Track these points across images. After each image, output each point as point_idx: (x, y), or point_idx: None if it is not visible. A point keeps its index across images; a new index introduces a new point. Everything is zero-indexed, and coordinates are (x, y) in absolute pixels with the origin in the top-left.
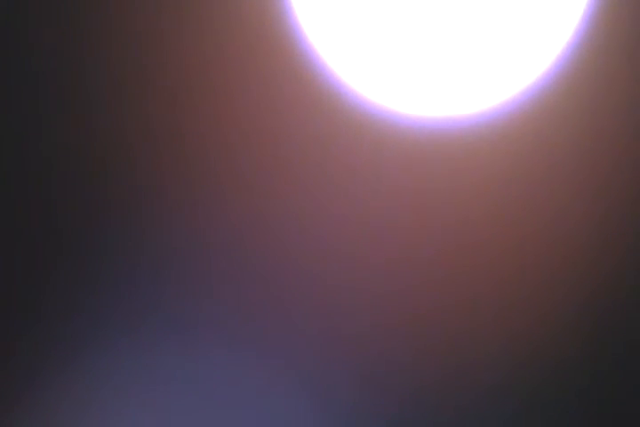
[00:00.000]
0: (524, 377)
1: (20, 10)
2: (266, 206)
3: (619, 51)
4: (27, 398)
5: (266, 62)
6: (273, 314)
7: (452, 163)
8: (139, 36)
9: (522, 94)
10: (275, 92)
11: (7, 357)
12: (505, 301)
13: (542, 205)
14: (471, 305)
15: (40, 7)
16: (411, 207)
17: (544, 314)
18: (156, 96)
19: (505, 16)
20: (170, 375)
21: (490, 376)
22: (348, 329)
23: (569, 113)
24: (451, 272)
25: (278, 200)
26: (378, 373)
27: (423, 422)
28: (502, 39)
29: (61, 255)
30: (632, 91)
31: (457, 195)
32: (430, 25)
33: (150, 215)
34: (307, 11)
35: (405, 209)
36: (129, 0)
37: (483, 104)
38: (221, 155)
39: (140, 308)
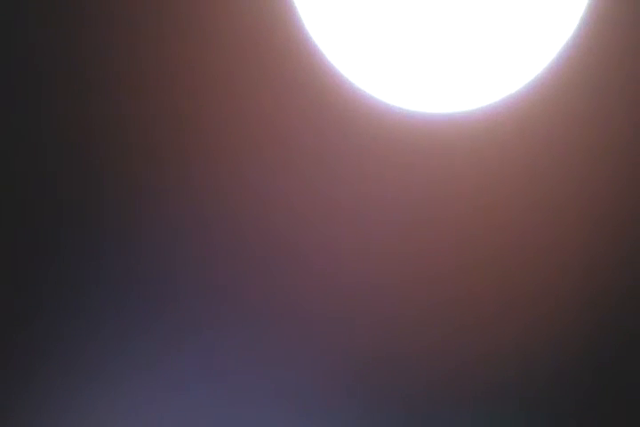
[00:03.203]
0: (526, 374)
1: (20, 8)
2: (271, 208)
3: (619, 49)
4: (24, 399)
5: (269, 60)
6: (279, 313)
7: (453, 158)
8: (139, 35)
9: (521, 91)
10: (279, 91)
11: (5, 357)
12: (504, 298)
13: (542, 203)
14: (471, 301)
15: (41, 6)
16: (416, 204)
17: (544, 311)
18: (157, 97)
19: (505, 13)
20: (170, 376)
21: (491, 374)
22: (352, 328)
23: (568, 110)
24: (451, 269)
25: (284, 200)
26: (383, 372)
27: (423, 423)
28: (503, 35)
29: (62, 256)
30: (631, 90)
31: (460, 190)
32: (431, 21)
33: (151, 215)
34: (309, 9)
35: (410, 206)
36: (130, 1)
37: (483, 101)
38: (225, 155)
39: (141, 309)
